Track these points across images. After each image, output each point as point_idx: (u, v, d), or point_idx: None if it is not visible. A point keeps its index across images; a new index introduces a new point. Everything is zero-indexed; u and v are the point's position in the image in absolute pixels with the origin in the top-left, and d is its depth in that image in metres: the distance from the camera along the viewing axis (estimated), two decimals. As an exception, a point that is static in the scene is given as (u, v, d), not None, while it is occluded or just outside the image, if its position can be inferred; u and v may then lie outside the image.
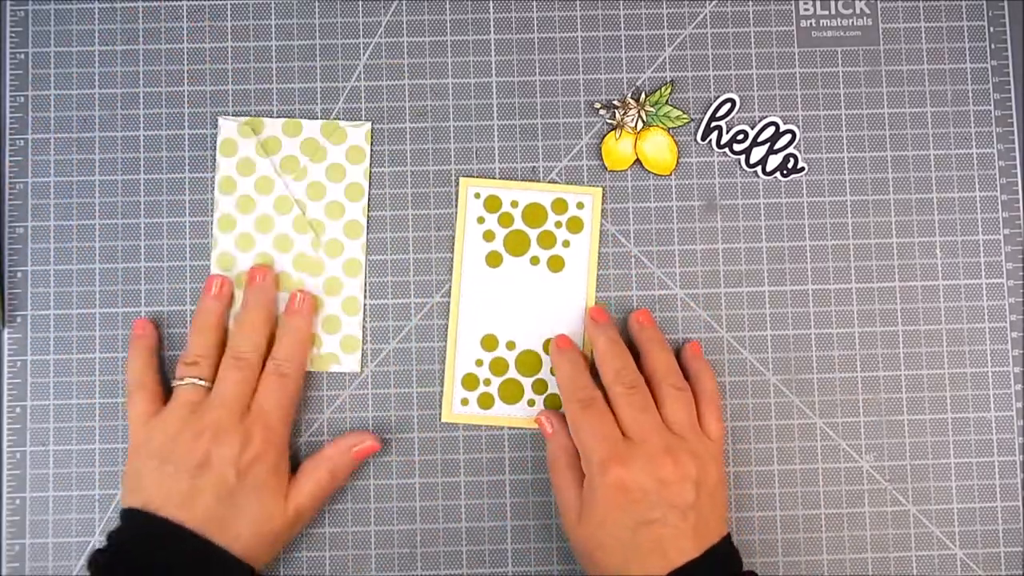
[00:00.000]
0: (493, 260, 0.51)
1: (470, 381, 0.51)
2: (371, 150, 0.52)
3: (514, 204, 0.51)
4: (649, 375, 0.48)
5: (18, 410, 0.50)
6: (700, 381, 0.48)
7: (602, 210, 0.51)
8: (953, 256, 0.51)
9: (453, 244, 0.51)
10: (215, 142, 0.52)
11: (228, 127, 0.51)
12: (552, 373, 0.50)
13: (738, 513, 0.50)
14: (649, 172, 0.51)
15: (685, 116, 0.51)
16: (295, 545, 0.50)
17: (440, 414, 0.50)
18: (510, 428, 0.50)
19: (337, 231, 0.51)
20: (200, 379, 0.47)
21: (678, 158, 0.51)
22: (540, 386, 0.51)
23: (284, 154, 0.51)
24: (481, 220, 0.51)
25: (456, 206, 0.51)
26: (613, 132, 0.51)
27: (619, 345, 0.48)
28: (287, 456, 0.47)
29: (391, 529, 0.50)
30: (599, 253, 0.51)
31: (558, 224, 0.51)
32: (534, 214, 0.51)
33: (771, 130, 0.51)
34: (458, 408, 0.50)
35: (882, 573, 0.50)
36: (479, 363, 0.51)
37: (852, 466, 0.50)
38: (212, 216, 0.51)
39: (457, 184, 0.51)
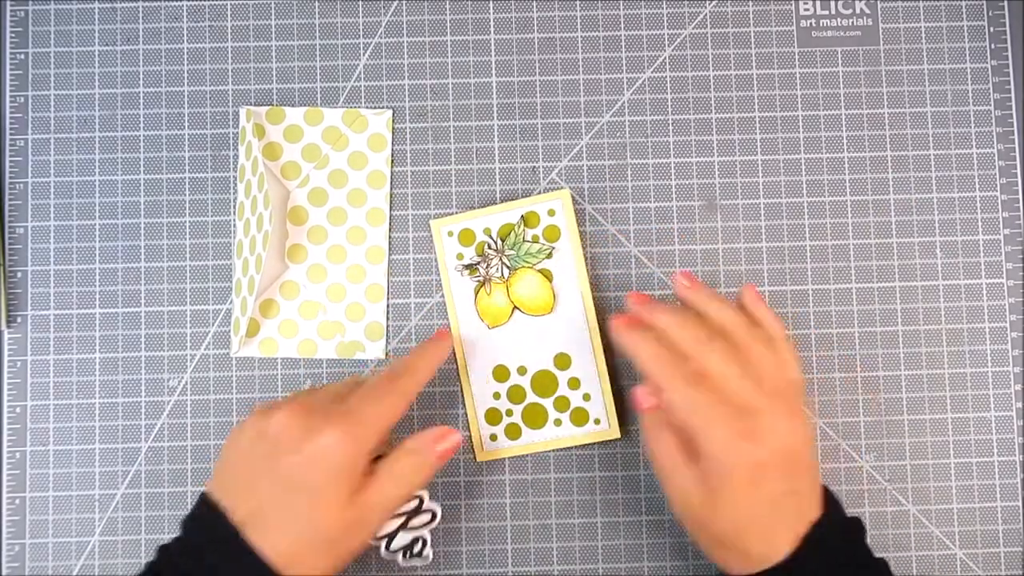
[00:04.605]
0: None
1: (492, 416, 0.50)
2: (392, 136, 0.51)
3: (487, 231, 0.51)
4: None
5: (18, 410, 0.50)
6: (768, 328, 0.44)
7: (602, 210, 0.51)
8: (953, 256, 0.51)
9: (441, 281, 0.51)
10: (215, 142, 0.52)
11: (242, 116, 0.51)
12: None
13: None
14: (530, 316, 0.50)
15: (547, 247, 0.50)
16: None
17: (473, 456, 0.50)
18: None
19: (360, 219, 0.51)
20: None
21: (555, 294, 0.50)
22: (562, 404, 0.50)
23: (306, 142, 0.51)
24: (460, 257, 0.51)
25: (434, 250, 0.51)
26: (483, 288, 0.50)
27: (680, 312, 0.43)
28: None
29: (391, 529, 0.50)
30: (588, 254, 0.51)
31: (535, 238, 0.51)
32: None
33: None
34: (488, 445, 0.50)
35: (882, 573, 0.50)
36: (496, 396, 0.50)
37: (852, 466, 0.50)
38: (232, 207, 0.51)
39: (456, 184, 0.52)
